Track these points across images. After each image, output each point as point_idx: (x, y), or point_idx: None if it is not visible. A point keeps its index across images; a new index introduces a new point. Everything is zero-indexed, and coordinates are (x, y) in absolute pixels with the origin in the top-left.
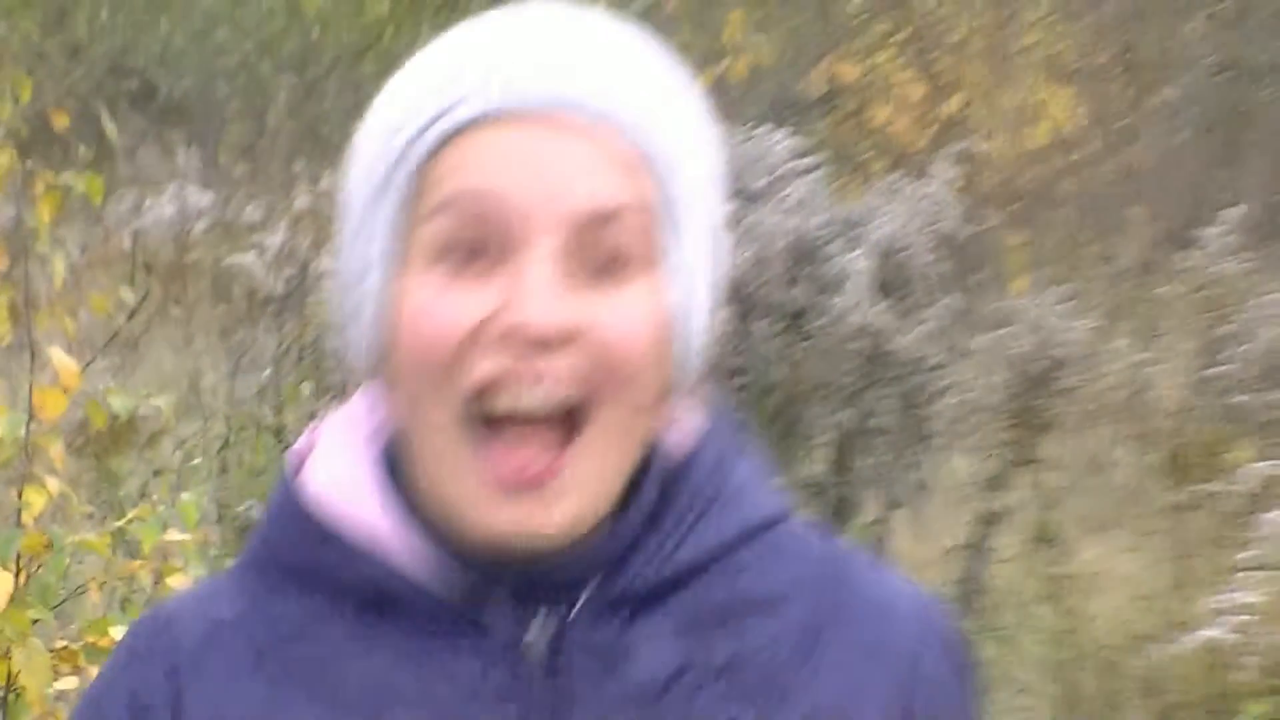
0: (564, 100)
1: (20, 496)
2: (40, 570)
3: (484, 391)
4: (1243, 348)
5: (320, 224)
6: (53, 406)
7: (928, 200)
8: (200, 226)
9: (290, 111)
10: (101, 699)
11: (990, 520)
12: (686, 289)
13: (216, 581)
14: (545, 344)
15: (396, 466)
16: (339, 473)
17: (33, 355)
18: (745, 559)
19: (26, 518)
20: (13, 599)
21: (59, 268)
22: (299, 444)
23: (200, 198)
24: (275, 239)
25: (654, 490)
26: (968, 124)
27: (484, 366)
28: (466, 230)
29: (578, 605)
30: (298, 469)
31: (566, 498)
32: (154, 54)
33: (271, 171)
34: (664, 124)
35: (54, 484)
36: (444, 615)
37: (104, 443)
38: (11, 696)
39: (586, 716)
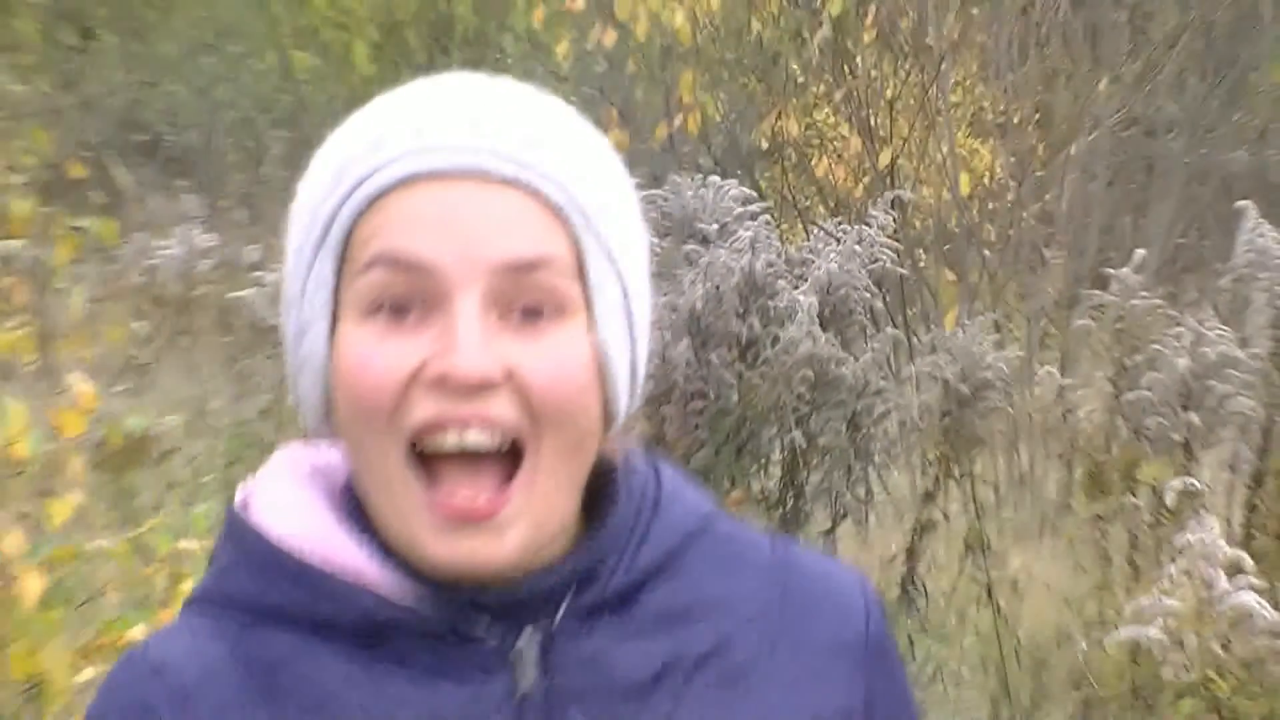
0: (483, 159)
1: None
2: (64, 574)
3: (425, 433)
4: (1153, 375)
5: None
6: (72, 426)
7: (865, 242)
8: (205, 265)
9: (284, 162)
10: None
11: (927, 529)
12: (611, 332)
13: (186, 623)
14: (474, 389)
15: (357, 507)
16: (300, 516)
17: (52, 380)
18: (692, 560)
19: (51, 527)
20: (41, 600)
21: (77, 302)
22: (240, 496)
23: (204, 239)
24: (273, 275)
25: (628, 508)
26: (899, 174)
27: (422, 410)
28: (394, 286)
29: (559, 616)
30: (244, 516)
31: (513, 529)
32: (161, 110)
33: (268, 216)
34: (582, 179)
35: (75, 496)
36: (433, 639)
37: (120, 459)
38: (38, 688)
39: (587, 708)
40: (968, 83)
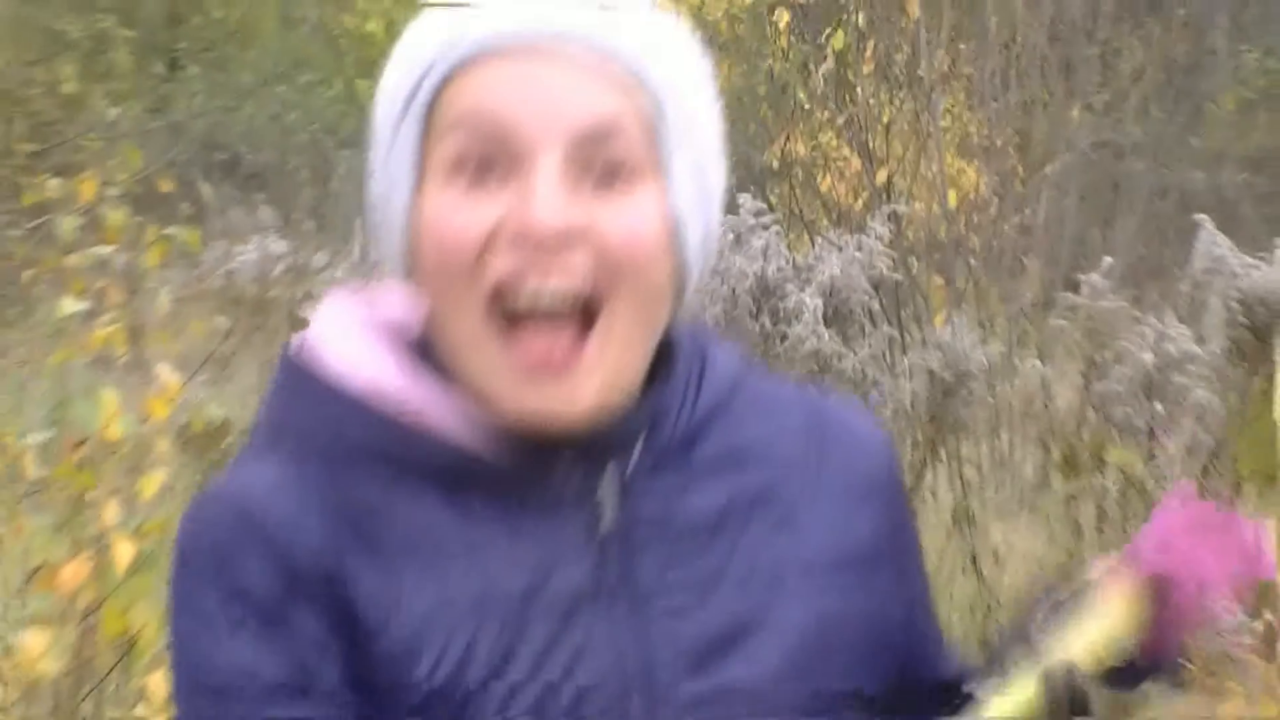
0: (565, 32)
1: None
2: (153, 543)
3: (503, 290)
4: (1120, 369)
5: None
6: (159, 412)
7: (864, 251)
8: (278, 269)
9: (349, 178)
10: (213, 610)
11: (916, 506)
12: (685, 199)
13: (260, 467)
14: (552, 244)
15: (432, 362)
16: (379, 367)
17: (143, 372)
18: (738, 409)
19: (141, 501)
20: (132, 566)
21: (164, 302)
22: (296, 347)
23: (277, 246)
24: (338, 277)
25: (684, 363)
26: (894, 190)
27: (500, 267)
28: (476, 148)
29: (633, 460)
30: (310, 361)
31: (588, 382)
32: (239, 133)
33: (334, 226)
34: (658, 50)
35: (162, 474)
36: (516, 483)
37: (201, 442)
38: (130, 644)
39: (657, 556)
40: (955, 110)
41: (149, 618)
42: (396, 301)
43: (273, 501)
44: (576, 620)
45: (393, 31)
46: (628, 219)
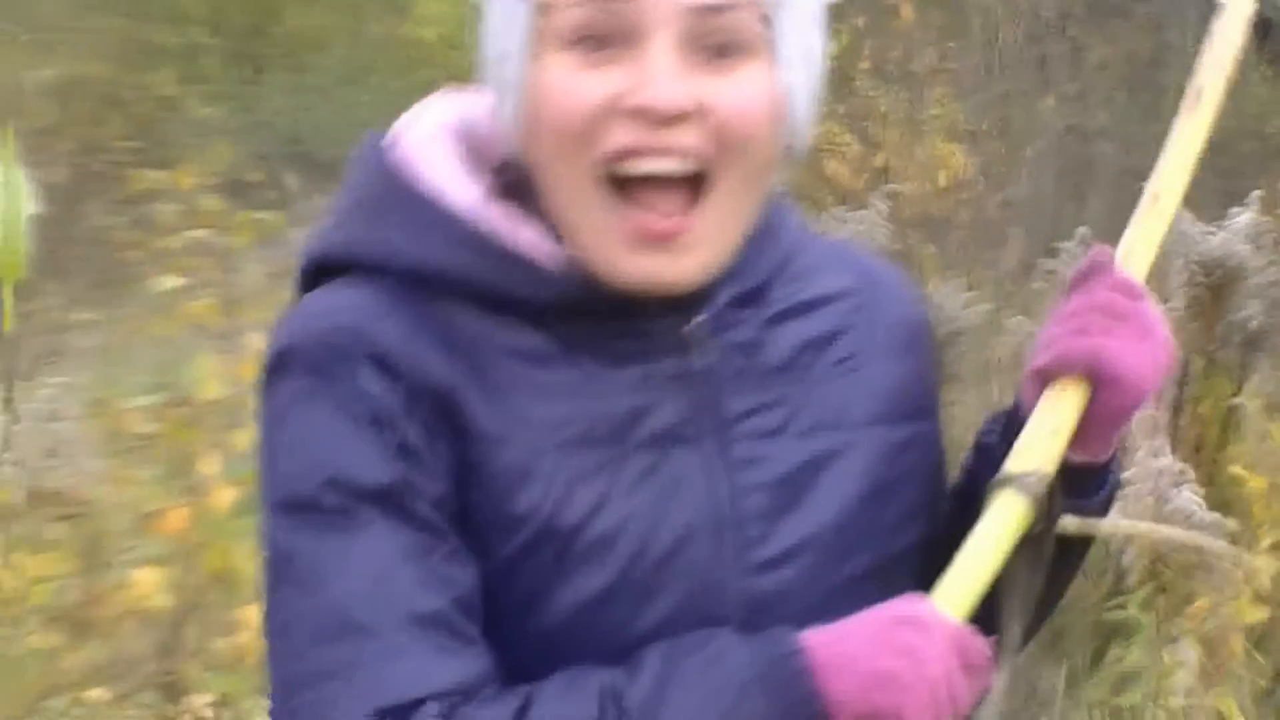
0: None
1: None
2: (248, 489)
3: (619, 159)
4: None
5: None
6: (250, 375)
7: (865, 225)
8: None
9: None
10: (325, 415)
11: None
12: (794, 73)
13: (357, 291)
14: (670, 119)
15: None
16: (481, 197)
17: (236, 340)
18: (802, 262)
19: (236, 452)
20: (230, 510)
21: (253, 278)
22: (392, 151)
23: None
24: None
25: (764, 222)
26: (891, 172)
27: (616, 137)
28: (594, 21)
29: (717, 308)
30: (408, 177)
31: (694, 251)
32: (316, 128)
33: None
34: None
35: (254, 429)
36: (612, 323)
37: None
38: (228, 580)
39: (741, 395)
40: (944, 100)
41: (246, 557)
42: (483, 118)
43: (384, 325)
44: (669, 457)
45: (445, 39)
46: (740, 94)
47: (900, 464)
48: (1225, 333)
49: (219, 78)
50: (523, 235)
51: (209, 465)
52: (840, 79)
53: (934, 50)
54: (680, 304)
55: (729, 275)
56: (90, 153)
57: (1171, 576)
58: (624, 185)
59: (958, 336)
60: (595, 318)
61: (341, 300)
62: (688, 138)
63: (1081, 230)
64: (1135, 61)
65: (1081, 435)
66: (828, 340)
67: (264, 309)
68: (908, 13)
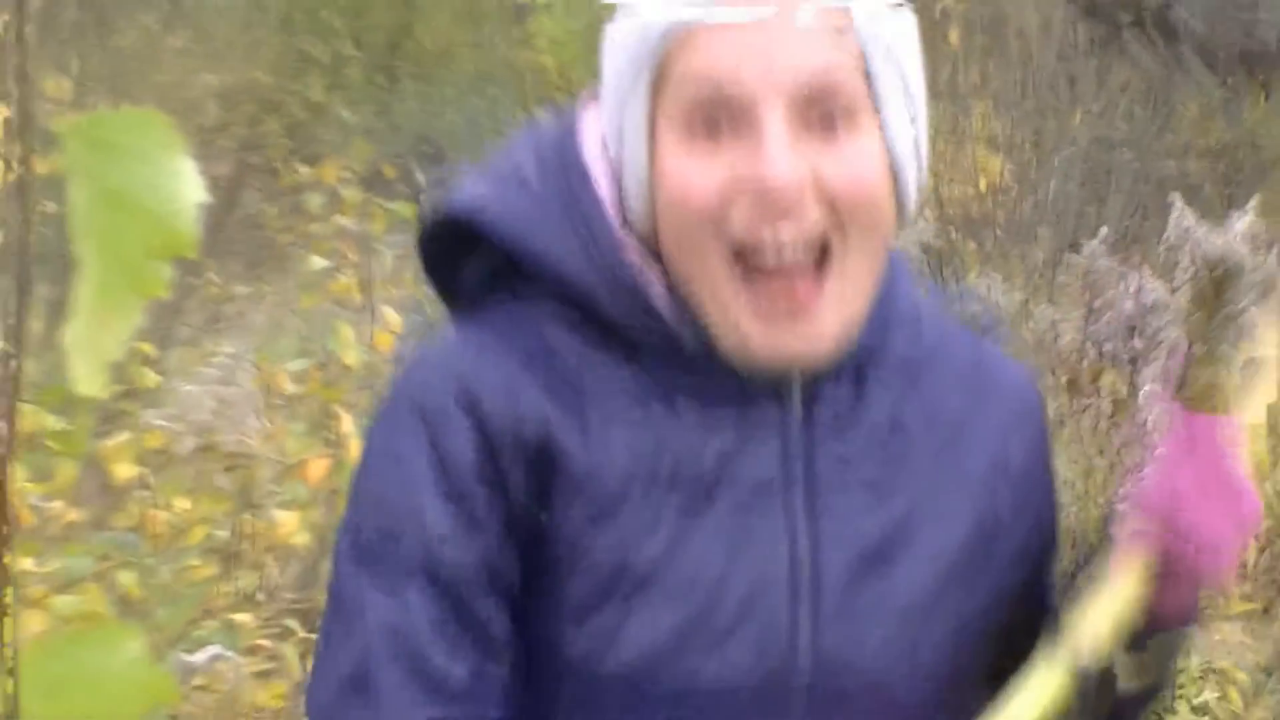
0: None
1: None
2: None
3: (744, 246)
4: (1110, 314)
5: None
6: (383, 343)
7: (914, 225)
8: None
9: None
10: (419, 470)
11: None
12: (899, 132)
13: (474, 334)
14: (786, 198)
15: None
16: (630, 248)
17: (371, 313)
18: (916, 329)
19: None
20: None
21: (388, 261)
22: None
23: None
24: None
25: (902, 298)
26: (938, 177)
27: (739, 220)
28: (706, 104)
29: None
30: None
31: (828, 321)
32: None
33: None
34: (863, 2)
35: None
36: (716, 369)
37: None
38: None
39: (836, 454)
40: (984, 114)
41: None
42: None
43: (484, 367)
44: (754, 505)
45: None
46: (852, 163)
47: (993, 543)
48: (1222, 322)
49: (360, 86)
50: (654, 285)
51: (346, 422)
52: None
53: (977, 70)
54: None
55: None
56: (249, 149)
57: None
58: (754, 270)
59: (998, 324)
60: (700, 363)
61: (458, 341)
62: (806, 212)
63: (1103, 230)
64: (1151, 81)
65: (1158, 597)
66: (931, 408)
67: (394, 287)
68: (954, 37)
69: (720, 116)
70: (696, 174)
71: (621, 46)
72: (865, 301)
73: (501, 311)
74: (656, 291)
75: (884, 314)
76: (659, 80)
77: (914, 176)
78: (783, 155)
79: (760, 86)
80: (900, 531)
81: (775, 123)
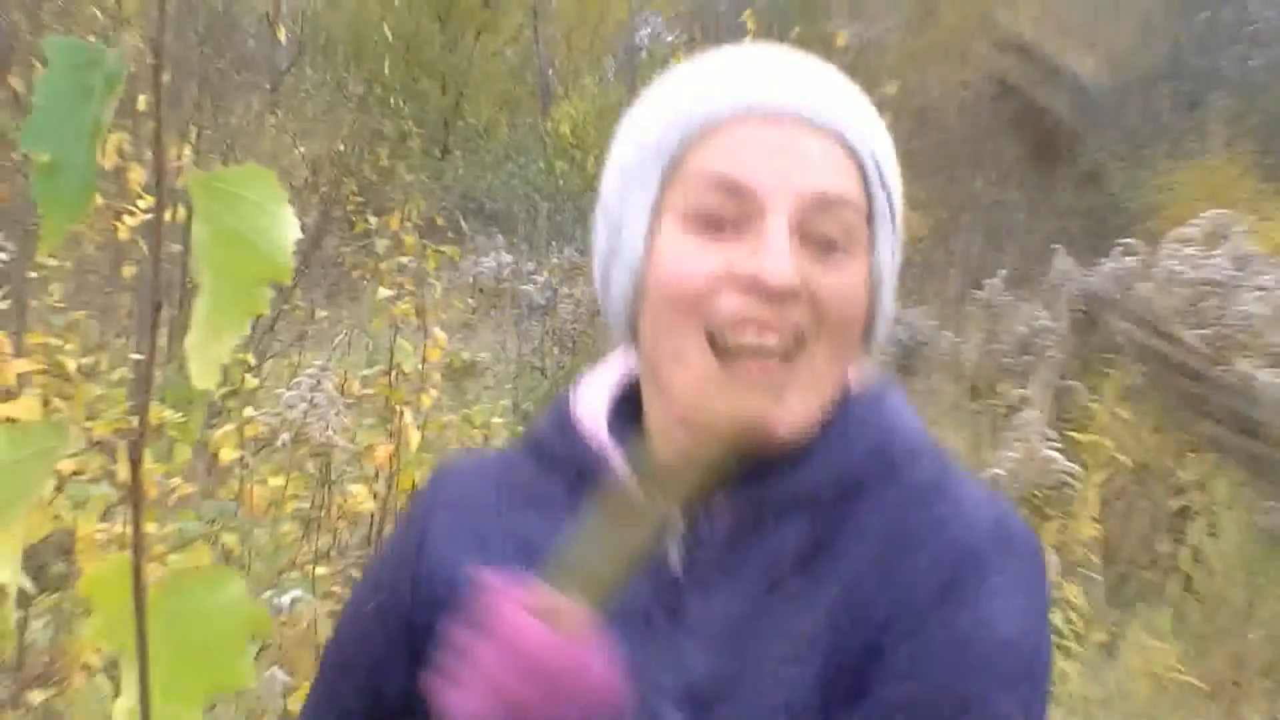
0: (802, 106)
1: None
2: (431, 433)
3: (728, 326)
4: (1006, 336)
5: (564, 272)
6: (434, 356)
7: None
8: (505, 272)
9: (548, 218)
10: (397, 525)
11: None
12: (885, 264)
13: (486, 458)
14: (779, 297)
15: (634, 405)
16: (593, 402)
17: (424, 332)
18: (861, 500)
19: (422, 408)
20: (419, 447)
21: (438, 291)
22: (576, 385)
23: (505, 259)
24: (541, 278)
25: (830, 438)
26: None
27: (729, 306)
28: (716, 203)
29: (723, 510)
30: (570, 397)
31: (796, 394)
32: (484, 191)
33: (539, 247)
34: (874, 133)
35: (434, 393)
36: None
37: (459, 374)
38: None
39: (706, 598)
40: (907, 179)
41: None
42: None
43: (465, 476)
44: (622, 632)
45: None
46: (842, 283)
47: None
48: (1092, 346)
49: (418, 155)
50: (600, 433)
51: (405, 416)
52: None
53: (902, 145)
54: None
55: (763, 476)
56: (331, 204)
57: (1038, 502)
58: (726, 350)
59: (921, 345)
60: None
61: (469, 459)
62: (791, 316)
63: (1002, 272)
64: (1036, 157)
65: None
66: (812, 553)
67: (442, 312)
68: (888, 120)
69: (726, 215)
70: (693, 258)
71: (640, 132)
72: (827, 397)
73: (528, 443)
74: (596, 436)
75: (817, 474)
76: (672, 170)
77: (889, 302)
78: (784, 257)
79: (773, 192)
80: (728, 682)
81: (779, 227)
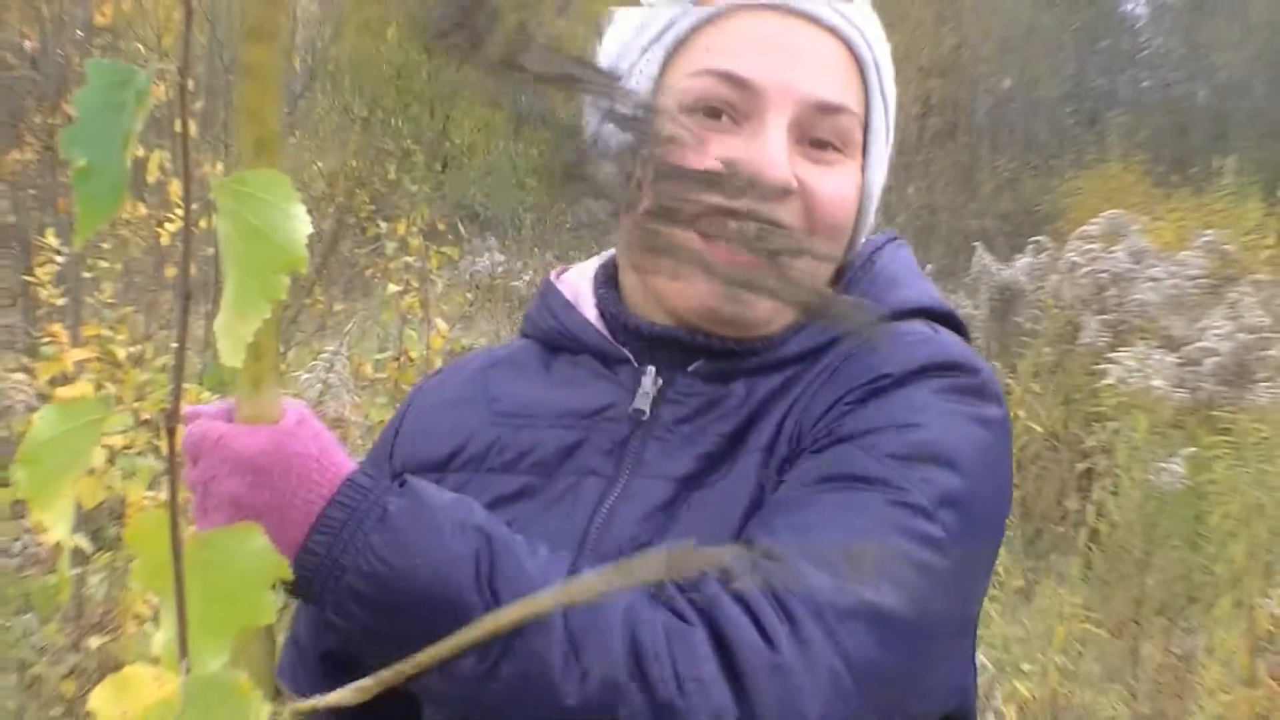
0: (813, 7)
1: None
2: None
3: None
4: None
5: (548, 270)
6: (437, 344)
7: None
8: (498, 270)
9: (532, 225)
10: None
11: None
12: (877, 173)
13: (484, 349)
14: (774, 194)
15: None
16: (575, 283)
17: (429, 322)
18: (814, 364)
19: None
20: None
21: (440, 287)
22: (562, 270)
23: (497, 259)
24: (528, 275)
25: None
26: None
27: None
28: (718, 94)
29: (691, 368)
30: (556, 277)
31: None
32: (477, 200)
33: (526, 249)
34: (879, 40)
35: None
36: (596, 362)
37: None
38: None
39: (662, 452)
40: None
41: None
42: None
43: (441, 376)
44: (580, 489)
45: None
46: (836, 186)
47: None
48: (1009, 330)
49: (421, 169)
50: (582, 302)
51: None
52: None
53: None
54: (659, 357)
55: (738, 349)
56: (345, 212)
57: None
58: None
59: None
60: (599, 358)
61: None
62: (786, 213)
63: (929, 267)
64: (960, 167)
65: None
66: (769, 399)
67: (444, 305)
68: None
69: (729, 106)
70: (694, 147)
71: (630, 27)
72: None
73: (523, 325)
74: (588, 314)
75: (784, 348)
76: (678, 49)
77: (872, 213)
78: (780, 153)
79: (775, 92)
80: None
81: (778, 127)
